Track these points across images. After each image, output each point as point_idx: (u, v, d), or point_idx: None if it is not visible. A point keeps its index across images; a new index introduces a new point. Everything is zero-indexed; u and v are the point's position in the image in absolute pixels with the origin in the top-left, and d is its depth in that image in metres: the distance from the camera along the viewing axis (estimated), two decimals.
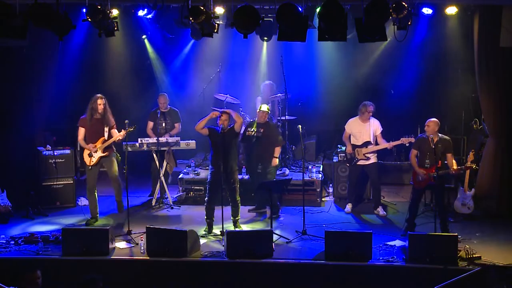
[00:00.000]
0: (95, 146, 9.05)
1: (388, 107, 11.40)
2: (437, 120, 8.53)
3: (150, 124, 10.33)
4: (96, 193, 9.23)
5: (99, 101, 9.04)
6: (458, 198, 9.26)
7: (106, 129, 9.10)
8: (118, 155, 9.64)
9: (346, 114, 10.29)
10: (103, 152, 9.10)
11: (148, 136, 10.18)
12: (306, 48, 11.56)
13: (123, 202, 9.27)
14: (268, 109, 9.66)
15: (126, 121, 9.14)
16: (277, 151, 9.54)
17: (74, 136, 11.14)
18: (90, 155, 9.08)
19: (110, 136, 9.13)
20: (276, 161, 9.53)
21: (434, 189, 8.68)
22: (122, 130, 8.98)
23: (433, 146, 8.42)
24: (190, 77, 12.31)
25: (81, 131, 9.18)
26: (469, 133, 10.91)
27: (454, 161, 8.55)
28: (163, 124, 10.29)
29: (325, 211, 9.96)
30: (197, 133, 10.96)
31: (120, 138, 9.05)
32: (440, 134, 8.56)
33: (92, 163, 9.09)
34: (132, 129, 8.97)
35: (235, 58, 12.07)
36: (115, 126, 9.22)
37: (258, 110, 9.70)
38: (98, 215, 9.25)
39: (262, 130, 9.53)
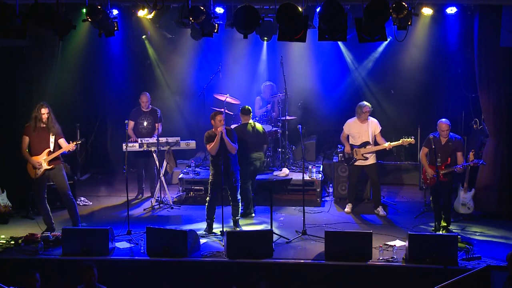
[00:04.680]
0: (39, 161, 8.47)
1: (388, 107, 11.41)
2: (448, 121, 8.72)
3: (131, 123, 10.22)
4: (46, 203, 8.72)
5: (42, 110, 8.42)
6: (458, 198, 9.26)
7: (52, 139, 8.51)
8: (67, 165, 9.15)
9: (346, 114, 10.28)
10: (49, 165, 8.51)
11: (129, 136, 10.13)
12: (306, 48, 11.57)
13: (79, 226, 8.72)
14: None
15: (126, 121, 9.16)
16: None
17: (74, 136, 11.17)
18: (35, 168, 8.52)
19: (56, 146, 8.55)
20: None
21: (441, 188, 8.73)
22: (71, 142, 8.55)
23: (444, 145, 8.62)
24: (190, 77, 12.31)
25: (25, 140, 8.54)
26: (469, 133, 10.91)
27: (462, 159, 8.69)
28: (145, 124, 10.31)
29: (325, 211, 9.96)
30: (196, 133, 11.03)
31: (70, 149, 8.60)
32: (451, 133, 8.73)
33: (37, 176, 8.50)
34: (79, 142, 8.71)
35: (235, 58, 12.07)
36: (62, 135, 8.65)
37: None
38: (53, 225, 8.73)
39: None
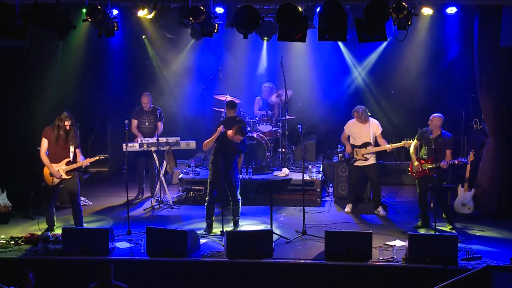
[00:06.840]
0: (59, 172, 8.50)
1: (388, 107, 11.40)
2: (441, 116, 8.79)
3: (135, 122, 10.34)
4: (53, 207, 8.80)
5: (66, 122, 8.40)
6: (458, 198, 9.26)
7: (72, 148, 8.56)
8: (82, 175, 9.24)
9: (346, 114, 10.28)
10: (67, 175, 8.56)
11: (134, 135, 10.18)
12: (306, 48, 11.57)
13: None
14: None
15: (126, 121, 9.17)
16: None
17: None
18: (52, 175, 8.55)
19: (75, 156, 8.60)
20: None
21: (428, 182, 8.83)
22: (97, 156, 8.68)
23: (432, 140, 8.63)
24: (190, 77, 12.31)
25: (44, 143, 8.52)
26: (469, 133, 10.91)
27: (451, 157, 8.73)
28: (147, 123, 10.37)
29: (325, 211, 9.96)
30: (197, 133, 11.02)
31: (87, 164, 8.71)
32: (443, 131, 8.78)
33: (53, 184, 8.58)
34: (103, 157, 8.70)
35: (235, 58, 12.07)
36: (79, 146, 8.73)
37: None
38: (54, 226, 8.75)
39: None
